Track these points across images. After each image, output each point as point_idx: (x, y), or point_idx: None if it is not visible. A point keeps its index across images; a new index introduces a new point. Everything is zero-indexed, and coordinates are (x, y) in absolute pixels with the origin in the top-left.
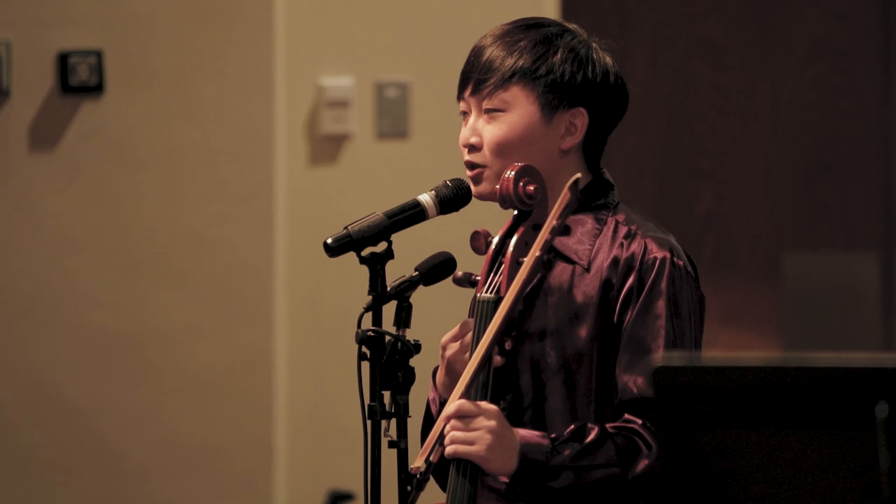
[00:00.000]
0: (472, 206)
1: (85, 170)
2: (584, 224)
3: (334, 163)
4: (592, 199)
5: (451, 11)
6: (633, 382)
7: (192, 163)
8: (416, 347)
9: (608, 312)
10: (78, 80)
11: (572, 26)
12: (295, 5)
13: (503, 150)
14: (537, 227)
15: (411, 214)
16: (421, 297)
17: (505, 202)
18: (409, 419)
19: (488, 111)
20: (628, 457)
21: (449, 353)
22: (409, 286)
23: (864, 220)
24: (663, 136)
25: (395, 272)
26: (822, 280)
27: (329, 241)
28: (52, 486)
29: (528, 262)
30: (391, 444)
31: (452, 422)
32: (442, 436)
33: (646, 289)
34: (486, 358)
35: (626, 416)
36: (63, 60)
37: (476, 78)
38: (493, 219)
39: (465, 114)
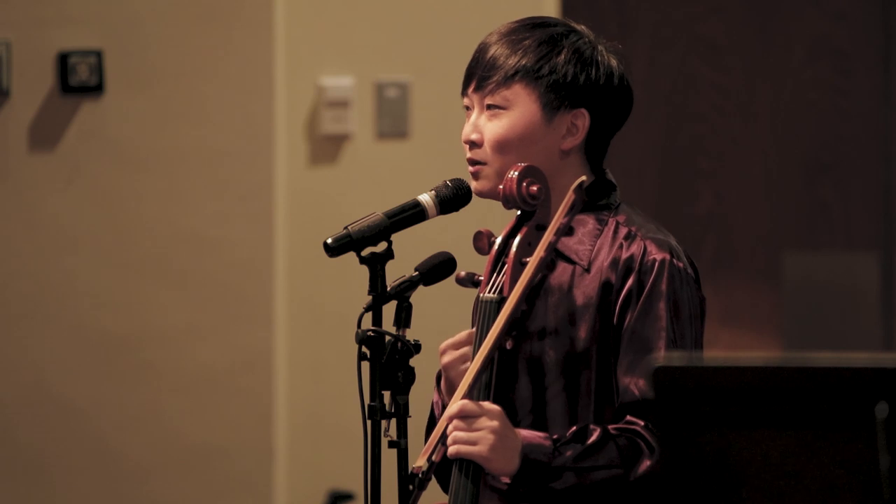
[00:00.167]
0: (472, 205)
1: (85, 170)
2: (586, 224)
3: (334, 163)
4: (594, 199)
5: (451, 11)
6: (635, 384)
7: (192, 163)
8: (416, 347)
9: (608, 313)
10: (78, 80)
11: (580, 27)
12: (295, 5)
13: (503, 147)
14: (540, 228)
15: (411, 214)
16: (421, 297)
17: (508, 202)
18: (409, 419)
19: (490, 108)
20: (630, 458)
21: (446, 358)
22: (409, 286)
23: (864, 220)
24: (663, 136)
25: (395, 272)
26: (822, 280)
27: (329, 241)
28: (52, 486)
29: (532, 262)
30: (391, 444)
31: (455, 422)
32: (444, 436)
33: (646, 290)
34: (490, 358)
35: (629, 417)
36: (63, 60)
37: (480, 74)
38: (494, 219)
39: (469, 109)
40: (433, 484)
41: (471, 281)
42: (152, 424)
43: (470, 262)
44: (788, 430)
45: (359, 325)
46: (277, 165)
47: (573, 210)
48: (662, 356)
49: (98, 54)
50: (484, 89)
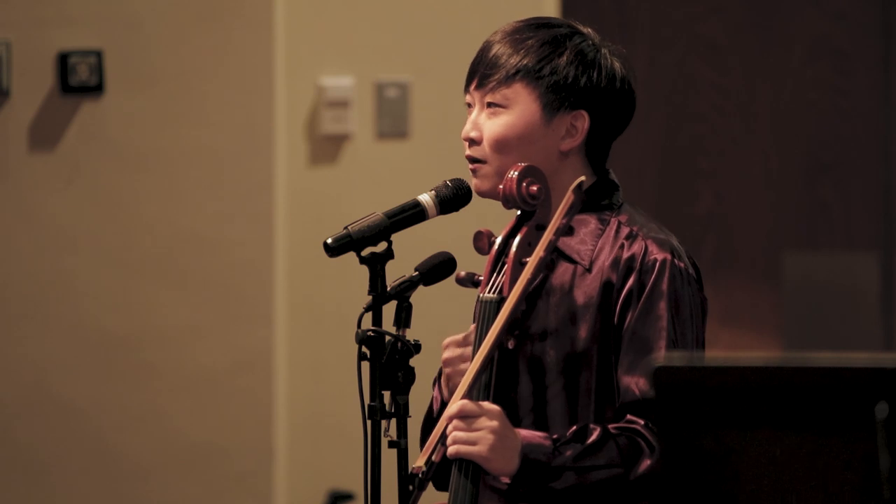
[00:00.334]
0: (472, 205)
1: (85, 170)
2: (588, 224)
3: (334, 163)
4: (597, 199)
5: (451, 11)
6: (635, 384)
7: (192, 163)
8: (416, 347)
9: (609, 313)
10: (78, 80)
11: (585, 30)
12: (295, 5)
13: (501, 146)
14: (540, 228)
15: (411, 214)
16: (421, 297)
17: (508, 202)
18: (409, 419)
19: (490, 106)
20: (630, 457)
21: (447, 354)
22: (409, 286)
23: (864, 220)
24: (663, 136)
25: (395, 272)
26: (822, 280)
27: (329, 241)
28: (52, 486)
29: (532, 262)
30: (391, 444)
31: (455, 422)
32: (444, 436)
33: (646, 290)
34: (489, 358)
35: (629, 416)
36: (63, 60)
37: (482, 72)
38: (494, 219)
39: (470, 107)
40: (433, 484)
41: (471, 281)
42: (152, 424)
43: (470, 262)
44: (788, 430)
45: (359, 325)
46: (277, 165)
47: (572, 210)
48: (663, 356)
49: (98, 54)
50: (485, 87)
